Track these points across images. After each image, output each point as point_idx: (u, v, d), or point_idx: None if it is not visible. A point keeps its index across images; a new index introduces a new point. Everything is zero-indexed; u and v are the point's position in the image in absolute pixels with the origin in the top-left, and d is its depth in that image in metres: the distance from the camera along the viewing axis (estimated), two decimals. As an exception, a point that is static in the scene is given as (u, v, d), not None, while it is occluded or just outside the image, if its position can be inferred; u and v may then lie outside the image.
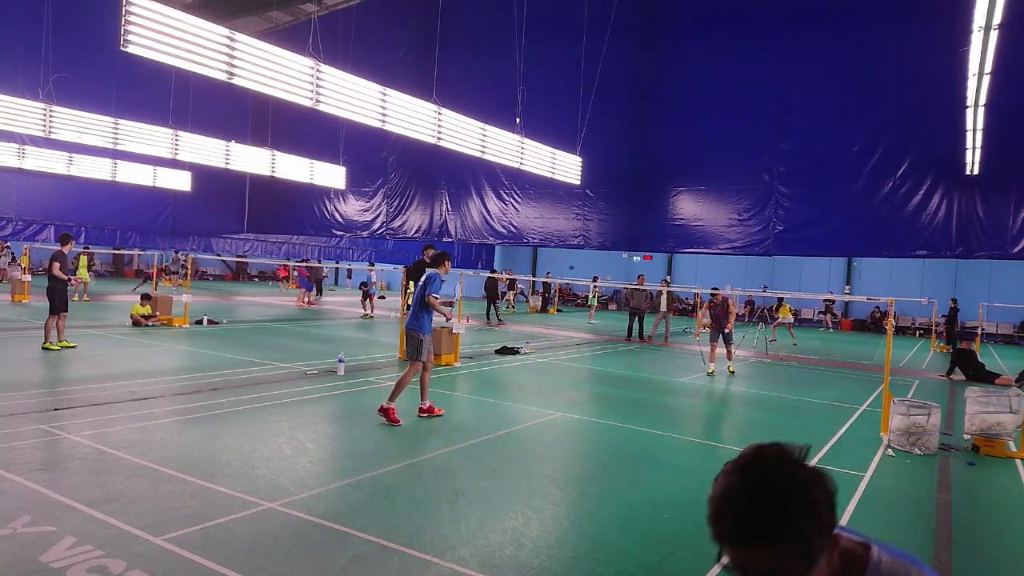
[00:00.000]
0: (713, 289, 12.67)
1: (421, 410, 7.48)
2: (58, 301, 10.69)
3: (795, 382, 12.01)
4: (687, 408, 9.33)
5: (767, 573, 1.10)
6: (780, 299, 22.17)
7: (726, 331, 12.14)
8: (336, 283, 42.02)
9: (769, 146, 16.13)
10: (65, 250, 11.17)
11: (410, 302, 12.61)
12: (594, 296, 26.26)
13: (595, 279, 26.47)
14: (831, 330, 26.89)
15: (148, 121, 14.50)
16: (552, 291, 29.84)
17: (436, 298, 7.37)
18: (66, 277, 10.95)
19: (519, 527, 4.43)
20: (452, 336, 11.61)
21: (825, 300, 26.83)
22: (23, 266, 20.62)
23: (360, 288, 22.18)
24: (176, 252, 22.49)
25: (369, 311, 21.08)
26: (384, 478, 5.28)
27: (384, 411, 7.02)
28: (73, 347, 10.78)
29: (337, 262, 31.62)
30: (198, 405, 7.42)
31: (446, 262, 7.60)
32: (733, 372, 12.31)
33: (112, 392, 7.75)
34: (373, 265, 24.66)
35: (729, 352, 12.34)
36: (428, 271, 7.55)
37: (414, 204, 22.40)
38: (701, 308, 13.07)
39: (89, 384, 8.14)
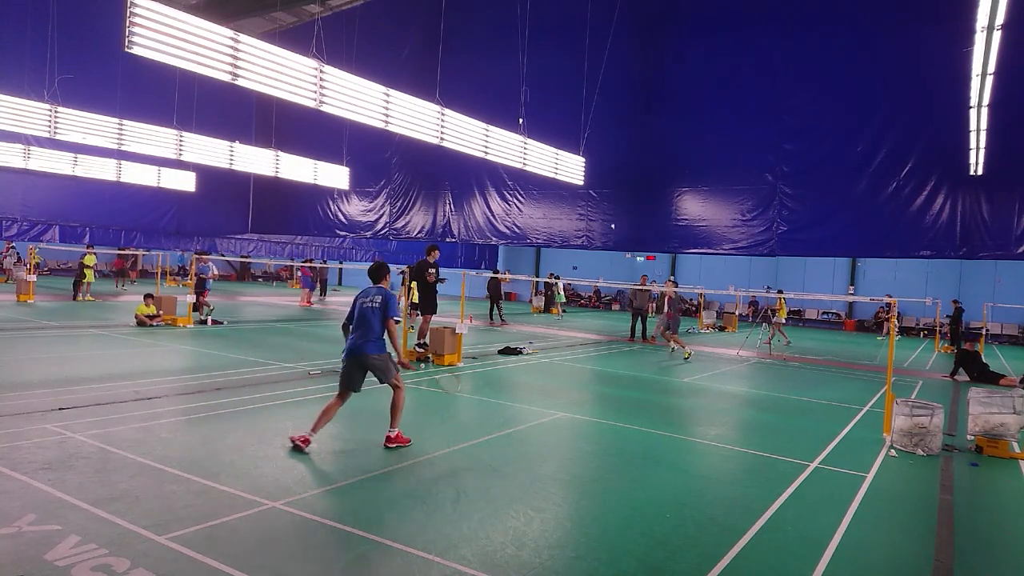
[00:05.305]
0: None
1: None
2: None
3: (797, 382, 11.99)
4: (689, 408, 9.33)
5: None
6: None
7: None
8: (341, 283, 42.02)
9: (772, 146, 16.11)
10: None
11: (414, 300, 12.69)
12: (558, 293, 26.67)
13: (555, 276, 27.06)
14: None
15: (152, 122, 14.55)
16: (555, 292, 29.84)
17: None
18: None
19: (521, 527, 4.44)
20: (455, 336, 11.60)
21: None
22: (28, 266, 20.71)
23: (194, 283, 15.82)
24: (224, 255, 21.87)
25: (202, 314, 15.75)
26: (386, 478, 5.30)
27: None
28: None
29: (341, 262, 31.62)
30: (202, 405, 7.45)
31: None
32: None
33: (116, 392, 7.79)
34: (208, 254, 17.95)
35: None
36: None
37: (417, 204, 22.43)
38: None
39: (93, 384, 8.18)
